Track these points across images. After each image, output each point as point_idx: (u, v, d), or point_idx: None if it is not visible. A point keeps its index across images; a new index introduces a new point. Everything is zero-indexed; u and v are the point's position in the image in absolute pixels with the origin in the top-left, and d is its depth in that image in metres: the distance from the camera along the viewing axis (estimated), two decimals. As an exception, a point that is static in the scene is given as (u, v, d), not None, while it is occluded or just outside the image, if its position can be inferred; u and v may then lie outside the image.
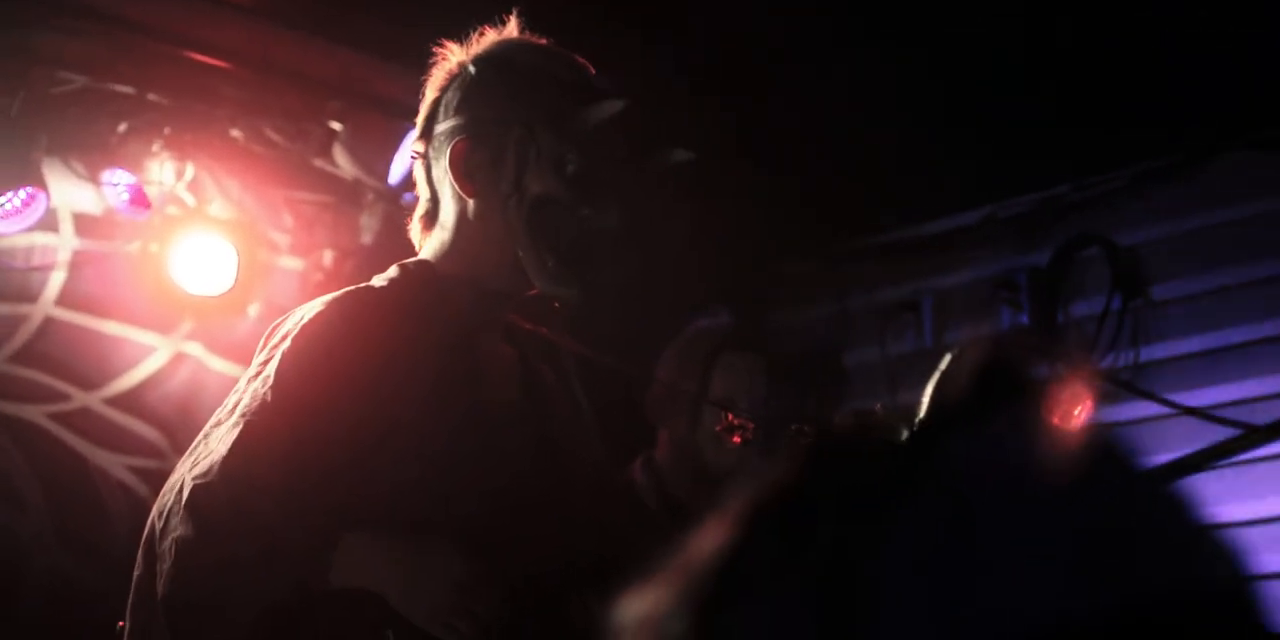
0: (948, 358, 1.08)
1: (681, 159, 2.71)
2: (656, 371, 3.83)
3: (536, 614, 2.47)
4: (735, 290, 5.34)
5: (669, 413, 3.89)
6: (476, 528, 2.45)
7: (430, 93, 2.72)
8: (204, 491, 2.35)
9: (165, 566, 2.33)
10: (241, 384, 2.52)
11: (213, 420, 2.51)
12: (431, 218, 2.69)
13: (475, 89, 2.67)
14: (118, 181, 4.86)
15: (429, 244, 2.69)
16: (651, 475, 3.87)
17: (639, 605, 0.92)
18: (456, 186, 2.63)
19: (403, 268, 2.66)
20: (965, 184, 5.13)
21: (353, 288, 2.61)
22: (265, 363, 2.49)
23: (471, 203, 2.63)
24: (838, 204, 5.34)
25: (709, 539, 0.91)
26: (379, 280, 2.64)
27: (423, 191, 2.71)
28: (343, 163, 5.11)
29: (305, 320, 2.50)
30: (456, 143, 2.63)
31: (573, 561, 2.57)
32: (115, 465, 4.94)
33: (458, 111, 2.66)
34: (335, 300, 2.55)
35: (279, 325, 2.57)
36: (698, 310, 4.06)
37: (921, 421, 0.92)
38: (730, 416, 2.90)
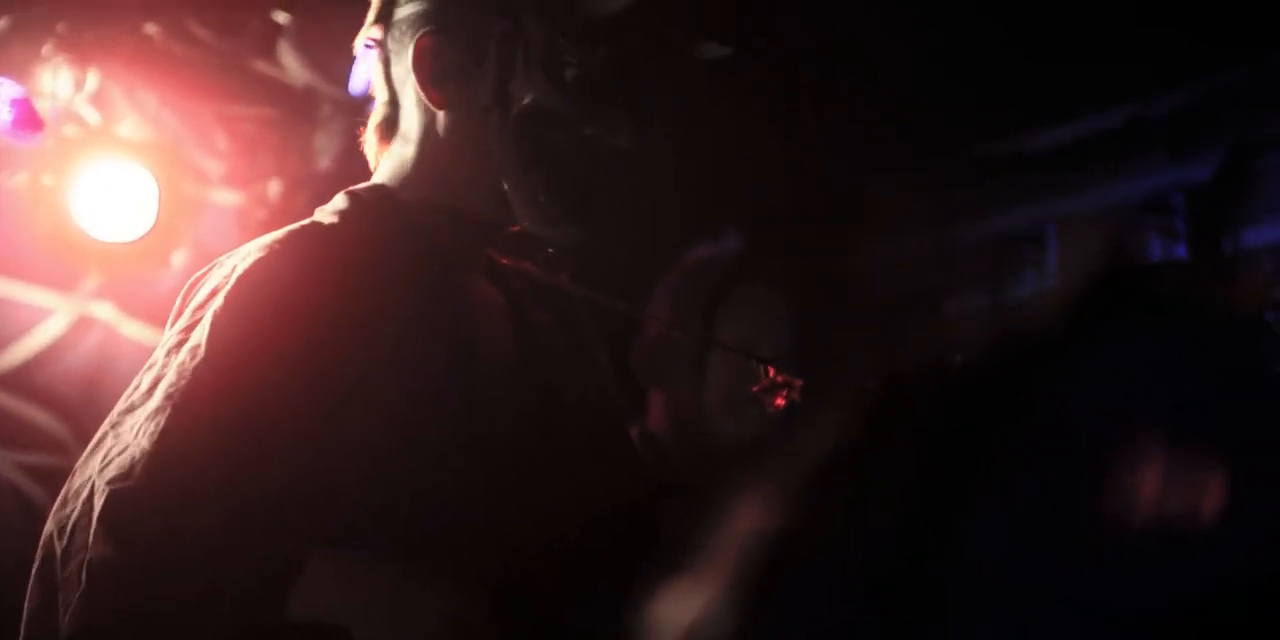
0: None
1: (715, 55, 2.72)
2: (648, 316, 3.62)
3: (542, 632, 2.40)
4: (804, 218, 5.14)
5: (664, 368, 3.65)
6: (475, 518, 2.37)
7: None
8: (123, 499, 2.20)
9: (73, 596, 2.19)
10: (158, 357, 2.36)
11: (121, 406, 2.35)
12: (391, 126, 2.56)
13: None
14: (-4, 95, 4.67)
15: (387, 162, 2.56)
16: (652, 449, 3.62)
17: (676, 606, 0.89)
18: (422, 94, 2.52)
19: (354, 197, 2.53)
20: (1101, 75, 4.78)
21: (294, 227, 2.47)
22: (189, 328, 2.35)
23: (441, 115, 2.52)
24: (934, 106, 4.94)
25: (755, 522, 0.88)
26: (325, 215, 2.51)
27: (379, 92, 2.58)
28: (290, 66, 4.93)
29: (240, 271, 2.37)
30: (421, 37, 2.50)
31: (587, 555, 2.48)
32: (3, 462, 4.87)
33: None
34: (276, 244, 2.41)
35: (201, 279, 2.44)
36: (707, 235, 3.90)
37: (1020, 353, 0.89)
38: (771, 372, 2.71)
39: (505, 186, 2.50)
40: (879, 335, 4.52)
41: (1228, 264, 4.75)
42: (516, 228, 2.54)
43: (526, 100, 2.48)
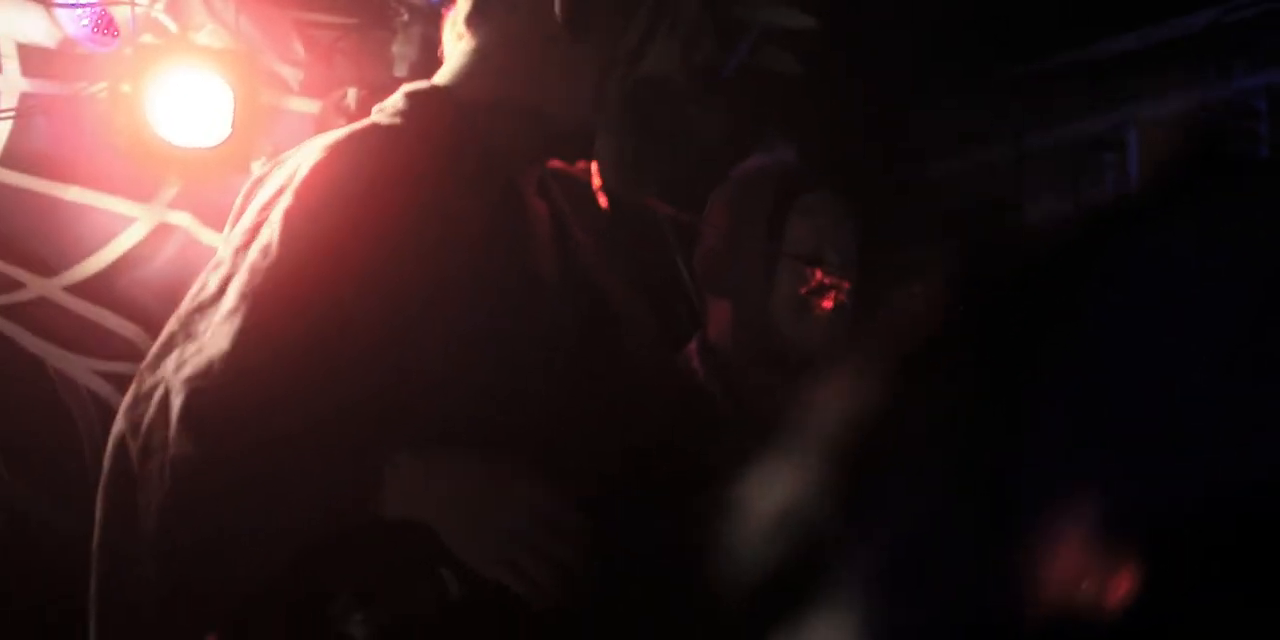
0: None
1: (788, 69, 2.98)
2: (707, 223, 3.61)
3: (633, 537, 2.39)
4: (878, 131, 5.20)
5: (730, 276, 3.55)
6: (549, 430, 2.39)
7: None
8: (203, 398, 2.23)
9: (154, 496, 2.22)
10: (224, 256, 2.38)
11: (189, 306, 2.39)
12: (483, 16, 2.55)
13: None
14: (76, 2, 4.52)
15: (461, 58, 2.57)
16: (713, 362, 3.52)
17: (768, 488, 0.89)
18: (561, 20, 2.50)
19: (415, 98, 2.54)
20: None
21: (356, 127, 2.50)
22: (256, 227, 2.37)
23: (560, 42, 2.51)
24: (1009, 13, 5.05)
25: (845, 403, 0.89)
26: (385, 115, 2.53)
27: None
28: (368, -28, 4.77)
29: (306, 171, 2.38)
30: None
31: (662, 463, 2.47)
32: (82, 370, 4.80)
33: None
34: (340, 143, 2.43)
35: (263, 179, 2.47)
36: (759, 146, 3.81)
37: (1102, 222, 0.90)
38: (819, 274, 2.80)
39: (600, 136, 2.52)
40: (957, 242, 4.52)
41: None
42: (581, 164, 2.56)
43: (652, 65, 2.51)
